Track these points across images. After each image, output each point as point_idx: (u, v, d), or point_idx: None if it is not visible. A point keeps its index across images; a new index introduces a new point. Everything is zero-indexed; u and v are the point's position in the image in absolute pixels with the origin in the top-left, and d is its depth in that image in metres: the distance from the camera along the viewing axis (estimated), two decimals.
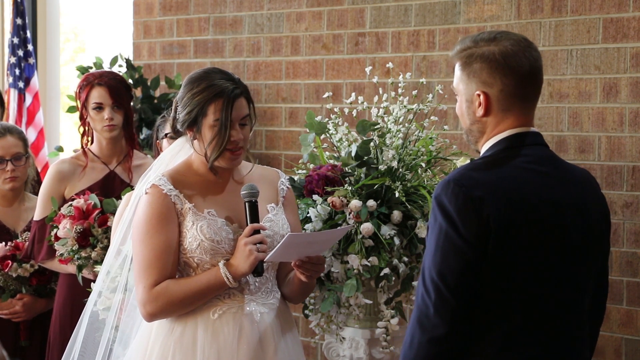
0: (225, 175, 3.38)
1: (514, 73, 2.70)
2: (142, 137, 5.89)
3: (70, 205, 4.27)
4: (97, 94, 4.43)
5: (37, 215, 4.47)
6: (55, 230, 4.28)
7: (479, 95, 2.72)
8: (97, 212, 4.23)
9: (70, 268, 4.31)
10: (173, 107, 3.38)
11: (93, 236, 4.21)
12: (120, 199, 4.23)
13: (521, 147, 2.72)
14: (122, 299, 3.48)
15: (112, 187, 4.47)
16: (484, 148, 2.77)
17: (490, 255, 2.60)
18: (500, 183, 2.64)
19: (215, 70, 3.35)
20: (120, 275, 3.50)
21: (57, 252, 4.29)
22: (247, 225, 3.27)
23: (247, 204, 3.27)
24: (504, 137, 2.73)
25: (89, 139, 4.54)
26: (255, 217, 3.27)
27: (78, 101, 4.51)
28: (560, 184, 2.72)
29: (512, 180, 2.66)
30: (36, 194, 4.63)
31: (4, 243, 4.54)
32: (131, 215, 3.43)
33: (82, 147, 4.56)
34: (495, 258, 2.61)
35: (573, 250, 2.70)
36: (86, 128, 4.52)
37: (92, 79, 4.47)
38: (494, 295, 2.62)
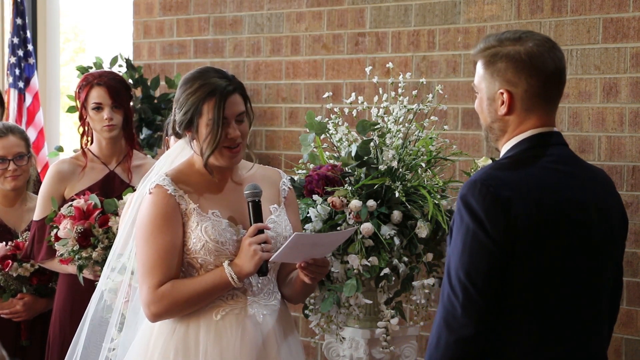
0: (226, 176, 3.37)
1: (540, 74, 2.70)
2: (142, 137, 5.90)
3: (71, 205, 4.26)
4: (97, 94, 4.43)
5: (36, 215, 4.47)
6: (55, 230, 4.27)
7: (502, 93, 2.72)
8: (97, 212, 4.23)
9: (70, 268, 4.31)
10: (173, 109, 3.38)
11: (94, 236, 4.20)
12: (121, 199, 4.23)
13: (546, 147, 2.73)
14: (128, 282, 3.48)
15: (112, 188, 4.47)
16: (505, 147, 2.77)
17: (518, 255, 2.61)
18: (527, 183, 2.65)
19: (209, 69, 3.34)
20: (128, 259, 3.50)
21: (57, 252, 4.28)
22: (250, 225, 3.27)
23: (250, 203, 3.27)
24: (527, 137, 2.73)
25: (89, 139, 4.54)
26: (258, 217, 3.27)
27: (78, 101, 4.51)
28: (583, 184, 2.73)
29: (538, 180, 2.67)
30: (37, 193, 4.63)
31: (4, 243, 4.54)
32: (132, 218, 3.43)
33: (81, 147, 4.56)
34: (522, 258, 2.62)
35: (596, 249, 2.71)
36: (86, 128, 4.52)
37: (92, 79, 4.47)
38: (521, 295, 2.64)
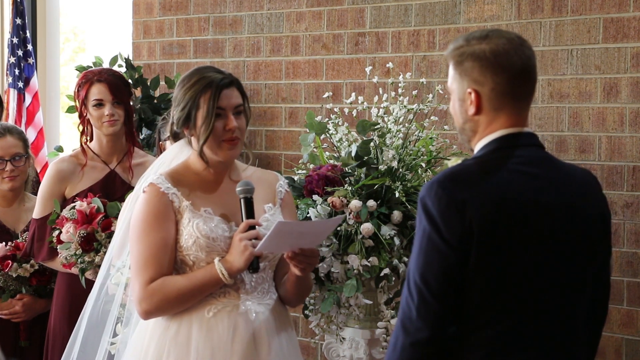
0: (222, 174, 3.37)
1: (505, 71, 2.67)
2: (142, 137, 5.89)
3: (73, 207, 4.25)
4: (97, 91, 4.43)
5: (36, 214, 4.46)
6: (57, 232, 4.26)
7: (470, 93, 2.69)
8: (100, 216, 4.21)
9: (72, 269, 4.30)
10: (170, 112, 3.38)
11: (97, 241, 4.19)
12: (123, 200, 4.22)
13: (514, 148, 2.69)
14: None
15: (113, 188, 4.46)
16: (477, 147, 2.74)
17: (474, 258, 2.57)
18: (486, 185, 2.61)
19: (207, 66, 3.37)
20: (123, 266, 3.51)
21: (60, 255, 4.27)
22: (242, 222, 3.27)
23: (242, 200, 3.27)
24: (496, 137, 2.70)
25: (88, 137, 4.53)
26: (250, 214, 3.26)
27: (77, 100, 4.49)
28: (551, 186, 2.68)
29: (500, 182, 2.62)
30: (36, 194, 4.63)
31: (4, 243, 4.54)
32: (127, 221, 3.44)
33: (81, 145, 4.55)
34: (479, 261, 2.58)
35: (563, 252, 2.66)
36: (86, 126, 4.51)
37: (91, 76, 4.46)
38: (479, 299, 2.60)
